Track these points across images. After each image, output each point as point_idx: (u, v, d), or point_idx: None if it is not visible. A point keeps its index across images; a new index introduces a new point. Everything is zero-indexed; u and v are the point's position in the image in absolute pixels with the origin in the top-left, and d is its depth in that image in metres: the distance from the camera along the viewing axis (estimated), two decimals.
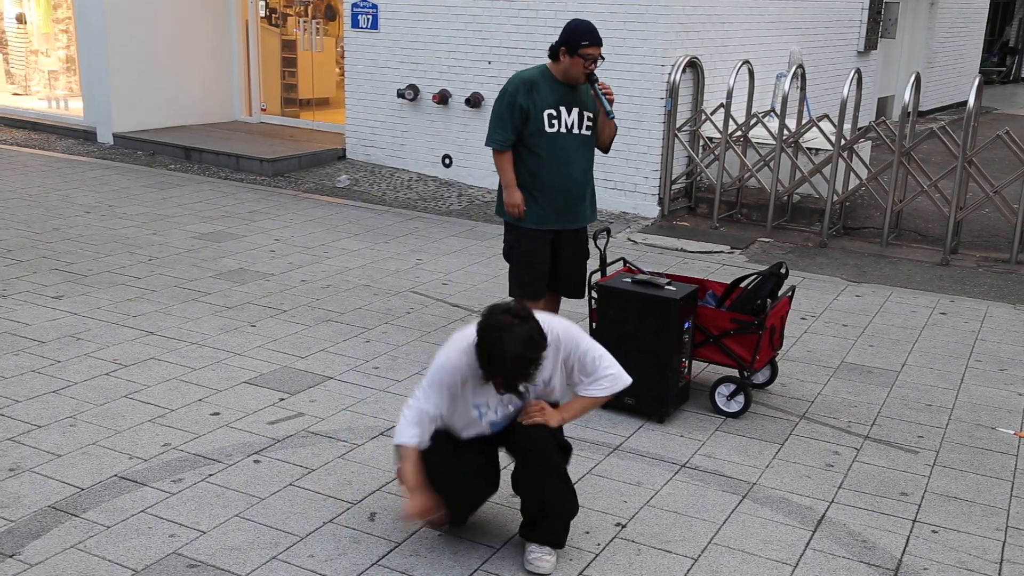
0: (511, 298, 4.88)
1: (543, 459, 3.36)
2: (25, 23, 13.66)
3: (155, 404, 4.50)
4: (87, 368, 4.88)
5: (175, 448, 4.08)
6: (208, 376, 4.85)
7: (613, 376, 3.44)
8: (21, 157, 10.51)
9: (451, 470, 3.36)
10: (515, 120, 4.70)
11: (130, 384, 4.71)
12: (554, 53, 4.71)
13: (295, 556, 3.34)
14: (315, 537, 3.47)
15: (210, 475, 3.87)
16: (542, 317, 3.29)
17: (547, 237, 4.89)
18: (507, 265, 5.08)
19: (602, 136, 4.97)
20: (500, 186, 4.89)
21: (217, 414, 4.43)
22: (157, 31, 11.31)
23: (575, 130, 4.78)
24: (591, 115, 4.81)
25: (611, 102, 4.76)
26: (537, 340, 3.14)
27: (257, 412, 4.46)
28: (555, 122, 4.73)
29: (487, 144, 4.83)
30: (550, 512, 3.39)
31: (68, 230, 7.52)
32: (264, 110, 12.42)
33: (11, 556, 3.26)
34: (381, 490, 3.81)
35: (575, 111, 4.76)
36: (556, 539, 3.42)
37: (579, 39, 4.60)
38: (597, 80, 4.71)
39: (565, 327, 3.40)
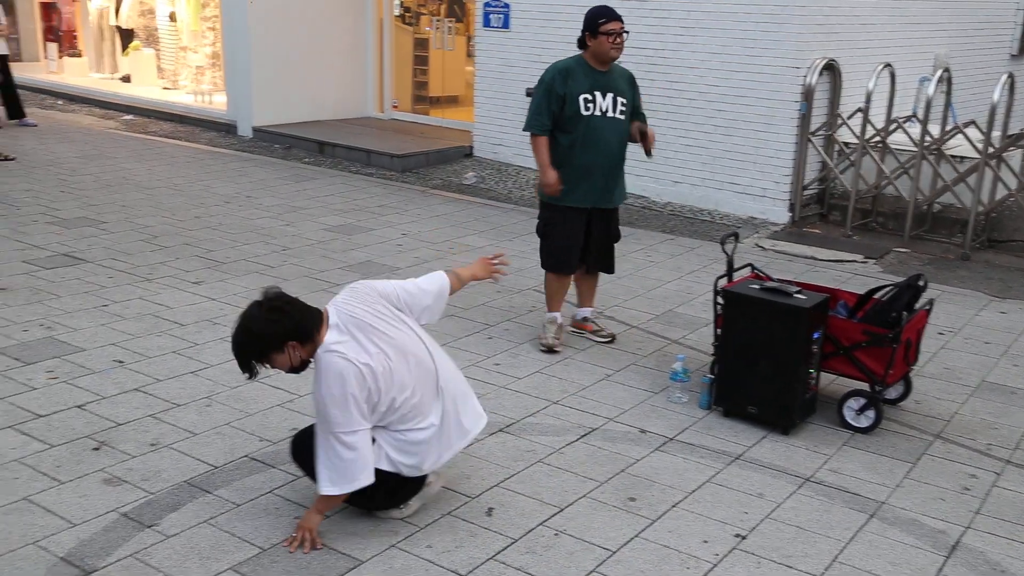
0: (543, 270, 5.40)
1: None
2: (176, 21, 14.34)
3: (284, 389, 4.65)
4: (223, 351, 5.07)
5: None
6: None
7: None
8: (168, 148, 11.03)
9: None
10: (552, 107, 5.06)
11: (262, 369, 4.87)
12: (581, 42, 5.11)
13: (413, 546, 3.40)
14: (433, 528, 3.52)
15: None
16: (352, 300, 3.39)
17: (580, 215, 5.21)
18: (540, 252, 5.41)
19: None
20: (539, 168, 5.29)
21: None
22: (297, 29, 11.69)
23: (609, 113, 5.11)
24: (624, 100, 5.15)
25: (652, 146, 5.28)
26: (251, 330, 3.22)
27: None
28: (590, 105, 5.06)
29: (524, 130, 5.23)
30: None
31: (208, 219, 7.85)
32: (395, 107, 12.69)
33: (150, 527, 3.42)
34: (499, 486, 3.84)
35: (609, 95, 5.10)
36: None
37: (597, 18, 5.00)
38: (647, 135, 5.20)
39: (360, 296, 3.44)
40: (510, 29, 9.97)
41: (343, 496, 3.32)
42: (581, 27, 5.09)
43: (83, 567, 3.16)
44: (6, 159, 9.84)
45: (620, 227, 5.50)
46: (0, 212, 7.69)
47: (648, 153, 5.30)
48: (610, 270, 5.51)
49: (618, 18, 5.03)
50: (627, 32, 5.09)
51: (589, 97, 5.06)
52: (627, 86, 5.21)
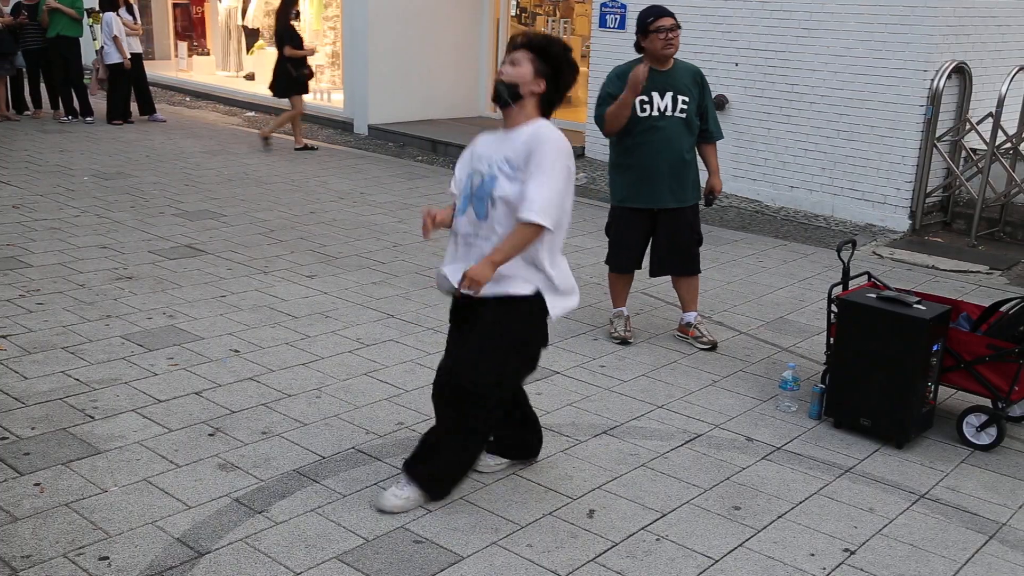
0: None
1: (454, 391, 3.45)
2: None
3: (391, 384, 4.73)
4: (333, 344, 5.20)
5: (407, 427, 4.27)
6: None
7: (528, 204, 3.28)
8: (287, 145, 11.35)
9: None
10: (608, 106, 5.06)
11: (370, 363, 4.98)
12: (637, 46, 5.12)
13: (514, 544, 3.41)
14: (534, 528, 3.53)
15: None
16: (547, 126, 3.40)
17: (641, 216, 5.20)
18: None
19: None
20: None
21: None
22: (414, 29, 11.88)
23: (668, 112, 5.10)
24: (686, 98, 5.11)
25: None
26: (533, 35, 3.42)
27: None
28: (647, 107, 5.07)
29: (594, 120, 5.26)
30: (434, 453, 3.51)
31: (323, 214, 8.05)
32: None
33: (260, 513, 3.53)
34: (601, 488, 3.82)
35: (668, 95, 5.08)
36: (432, 488, 3.57)
37: (646, 18, 5.02)
38: (715, 190, 5.37)
39: (558, 140, 3.36)
40: (625, 30, 9.91)
41: (527, 242, 3.32)
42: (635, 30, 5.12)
43: (197, 548, 3.28)
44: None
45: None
46: (129, 204, 8.06)
47: (708, 204, 5.42)
48: (692, 271, 5.39)
49: (668, 14, 5.02)
50: (680, 27, 5.06)
51: (645, 99, 5.04)
52: (691, 83, 5.15)
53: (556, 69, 3.42)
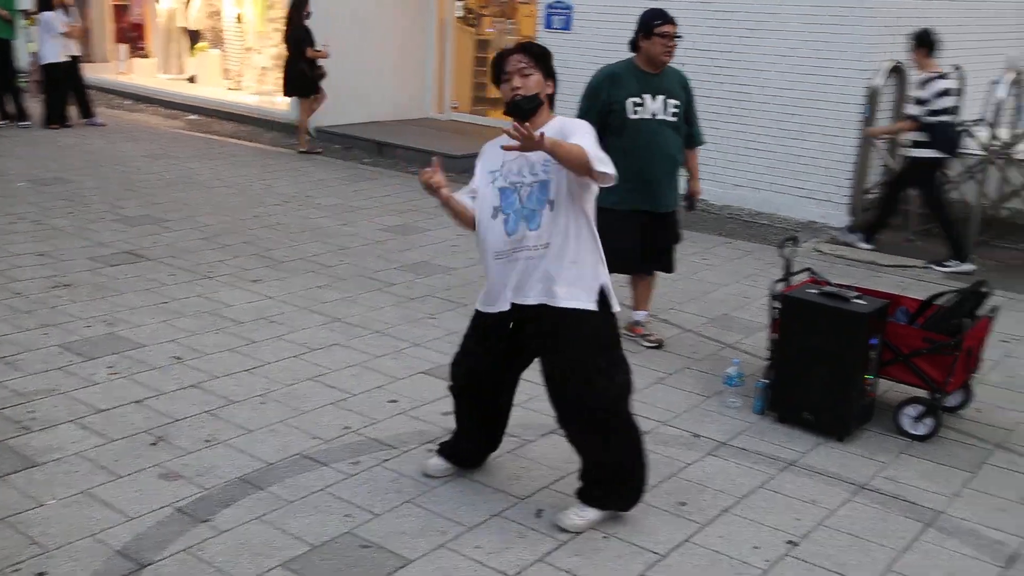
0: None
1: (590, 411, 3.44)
2: (242, 22, 14.58)
3: (338, 388, 4.70)
4: (278, 349, 5.15)
5: (354, 432, 4.25)
6: (388, 364, 5.03)
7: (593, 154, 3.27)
8: (231, 148, 11.23)
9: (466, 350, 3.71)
10: (597, 111, 5.01)
11: (316, 367, 4.94)
12: (633, 45, 5.10)
13: (462, 546, 3.41)
14: (482, 529, 3.53)
15: (385, 460, 4.00)
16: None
17: (634, 219, 5.14)
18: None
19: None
20: None
21: (395, 401, 4.58)
22: (359, 30, 11.80)
23: (659, 116, 5.07)
24: (676, 103, 5.11)
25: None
26: (522, 44, 3.46)
27: (433, 402, 4.58)
28: (639, 109, 5.04)
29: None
30: (613, 475, 3.54)
31: (268, 218, 7.97)
32: (455, 108, 12.75)
33: (203, 521, 3.48)
34: (549, 487, 3.83)
35: (660, 98, 5.07)
36: (620, 503, 3.58)
37: (652, 20, 5.01)
38: (695, 194, 5.49)
39: (576, 122, 3.47)
40: (571, 31, 9.95)
41: (584, 164, 3.21)
42: (635, 28, 5.09)
43: (139, 560, 3.23)
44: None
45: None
46: (68, 210, 7.90)
47: (691, 208, 5.51)
48: (669, 269, 5.48)
49: (672, 21, 5.02)
50: (680, 37, 5.07)
51: (638, 100, 5.04)
52: (680, 89, 5.18)
53: (550, 62, 3.48)
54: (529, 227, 3.38)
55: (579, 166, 3.22)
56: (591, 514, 3.55)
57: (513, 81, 3.39)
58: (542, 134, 3.09)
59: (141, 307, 5.69)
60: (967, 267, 7.23)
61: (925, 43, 7.28)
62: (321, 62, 10.70)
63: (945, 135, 7.17)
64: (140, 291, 5.97)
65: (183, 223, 7.66)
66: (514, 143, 3.13)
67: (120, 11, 17.16)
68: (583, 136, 3.31)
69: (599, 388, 3.39)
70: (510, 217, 3.42)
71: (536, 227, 3.37)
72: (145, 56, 16.69)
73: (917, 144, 7.26)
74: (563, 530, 3.51)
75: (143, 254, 6.76)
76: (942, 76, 7.18)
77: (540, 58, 3.44)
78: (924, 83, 7.17)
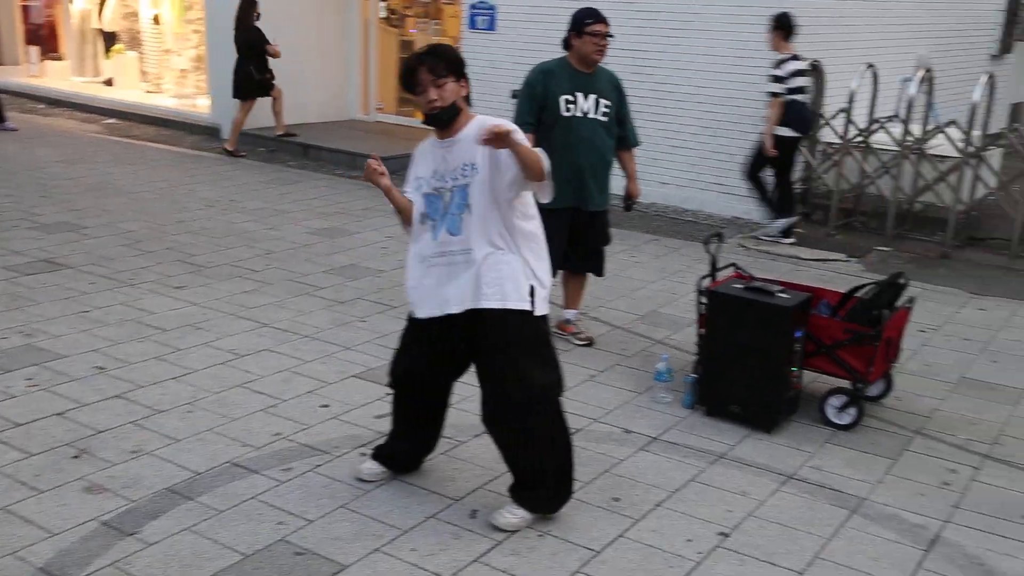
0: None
1: (521, 409, 3.43)
2: (159, 23, 14.27)
3: (268, 394, 4.63)
4: (205, 356, 5.06)
5: (285, 438, 4.20)
6: (319, 369, 4.98)
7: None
8: (151, 152, 10.98)
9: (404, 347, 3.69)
10: (535, 106, 5.07)
11: (245, 374, 4.86)
12: (566, 43, 5.13)
13: (397, 549, 3.40)
14: (417, 531, 3.51)
15: (318, 466, 3.96)
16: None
17: (563, 217, 5.14)
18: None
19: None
20: None
21: (326, 406, 4.54)
22: (280, 31, 11.63)
23: (591, 114, 5.11)
24: (608, 102, 5.15)
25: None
26: (430, 51, 3.41)
27: (365, 406, 4.55)
28: (571, 106, 5.08)
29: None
30: (539, 479, 3.53)
31: (191, 223, 7.82)
32: (380, 109, 12.67)
33: (131, 535, 3.40)
34: (483, 488, 3.83)
35: (592, 97, 5.11)
36: (547, 505, 3.59)
37: (584, 19, 5.03)
38: (633, 195, 5.56)
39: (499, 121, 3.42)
40: (496, 31, 9.97)
41: (536, 161, 3.28)
42: (567, 27, 5.11)
43: None
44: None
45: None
46: None
47: (628, 208, 5.57)
48: (599, 272, 5.49)
49: (604, 20, 5.05)
50: (611, 36, 5.10)
51: (570, 98, 5.07)
52: (611, 89, 5.21)
53: (461, 65, 3.47)
54: (451, 232, 3.42)
55: (533, 169, 3.27)
56: (525, 512, 3.56)
57: (429, 94, 3.39)
58: (509, 132, 3.19)
59: (60, 317, 5.53)
60: (793, 219, 7.94)
61: (783, 26, 7.66)
62: (272, 63, 10.74)
63: (799, 114, 7.58)
64: (59, 300, 5.80)
65: (103, 230, 7.47)
66: (489, 137, 3.20)
67: (29, 12, 16.67)
68: (514, 133, 3.32)
69: (529, 387, 3.41)
70: (436, 223, 3.46)
71: (457, 232, 3.41)
72: (58, 58, 16.24)
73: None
74: (499, 529, 3.51)
75: (61, 262, 6.58)
76: (795, 58, 7.57)
77: (451, 65, 3.42)
78: (779, 63, 7.55)
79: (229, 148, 10.87)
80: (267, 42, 10.58)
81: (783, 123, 7.54)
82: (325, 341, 5.36)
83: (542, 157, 3.32)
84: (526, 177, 3.31)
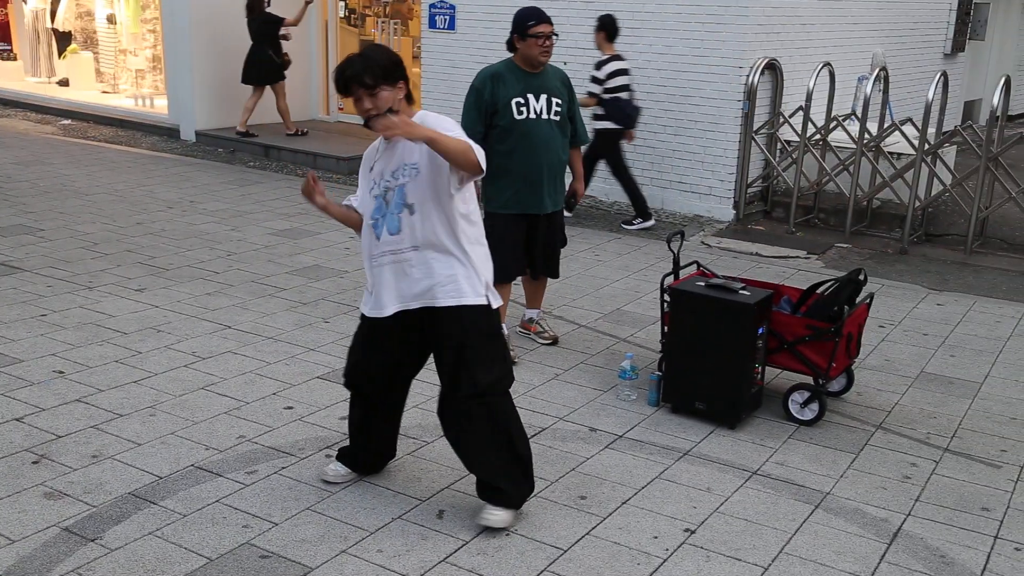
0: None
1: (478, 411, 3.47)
2: (115, 23, 14.09)
3: (231, 397, 4.59)
4: (167, 360, 5.00)
5: (249, 440, 4.16)
6: (282, 370, 4.94)
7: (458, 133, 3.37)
8: (108, 153, 10.83)
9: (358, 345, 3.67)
10: (482, 113, 4.96)
11: (207, 376, 4.82)
12: (510, 45, 5.02)
13: (364, 550, 3.38)
14: (384, 532, 3.50)
15: (283, 468, 3.93)
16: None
17: (519, 221, 5.11)
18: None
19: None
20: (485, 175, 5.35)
21: (291, 408, 4.51)
22: (239, 31, 11.54)
23: (544, 115, 5.02)
24: (560, 101, 5.06)
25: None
26: (361, 59, 3.35)
27: (329, 407, 4.53)
28: (523, 109, 4.97)
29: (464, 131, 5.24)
30: (496, 473, 3.55)
31: (151, 225, 7.73)
32: (341, 109, 12.61)
33: (93, 540, 3.36)
34: (450, 488, 3.83)
35: (543, 97, 5.02)
36: (510, 500, 3.57)
37: (525, 20, 4.92)
38: (578, 194, 5.60)
39: (440, 117, 3.44)
40: (456, 31, 9.95)
41: (462, 152, 3.23)
42: (510, 29, 5.01)
43: None
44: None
45: (568, 228, 5.50)
46: None
47: (570, 208, 5.53)
48: (555, 274, 5.47)
49: (547, 20, 4.94)
50: (557, 35, 5.04)
51: (521, 101, 4.96)
52: (562, 87, 5.12)
53: (393, 69, 3.40)
54: (390, 231, 3.44)
55: (459, 157, 3.25)
56: (502, 509, 3.56)
57: (364, 103, 3.37)
58: (404, 118, 3.21)
59: (17, 320, 5.44)
60: (649, 224, 8.28)
61: (606, 27, 7.99)
62: (285, 48, 11.07)
63: (620, 110, 7.95)
64: (15, 304, 5.71)
65: (60, 232, 7.36)
66: (389, 133, 3.24)
67: None
68: (450, 130, 3.33)
69: (479, 380, 3.44)
70: (379, 222, 3.49)
71: (397, 231, 3.42)
72: (12, 59, 15.97)
73: (597, 117, 7.96)
74: (490, 528, 3.52)
75: (17, 265, 6.47)
76: (616, 58, 7.92)
77: (383, 72, 3.35)
78: (600, 64, 7.90)
79: (290, 132, 11.35)
80: (281, 23, 10.86)
81: (606, 117, 7.92)
82: (288, 343, 5.32)
83: (472, 147, 3.26)
84: (458, 167, 3.30)
